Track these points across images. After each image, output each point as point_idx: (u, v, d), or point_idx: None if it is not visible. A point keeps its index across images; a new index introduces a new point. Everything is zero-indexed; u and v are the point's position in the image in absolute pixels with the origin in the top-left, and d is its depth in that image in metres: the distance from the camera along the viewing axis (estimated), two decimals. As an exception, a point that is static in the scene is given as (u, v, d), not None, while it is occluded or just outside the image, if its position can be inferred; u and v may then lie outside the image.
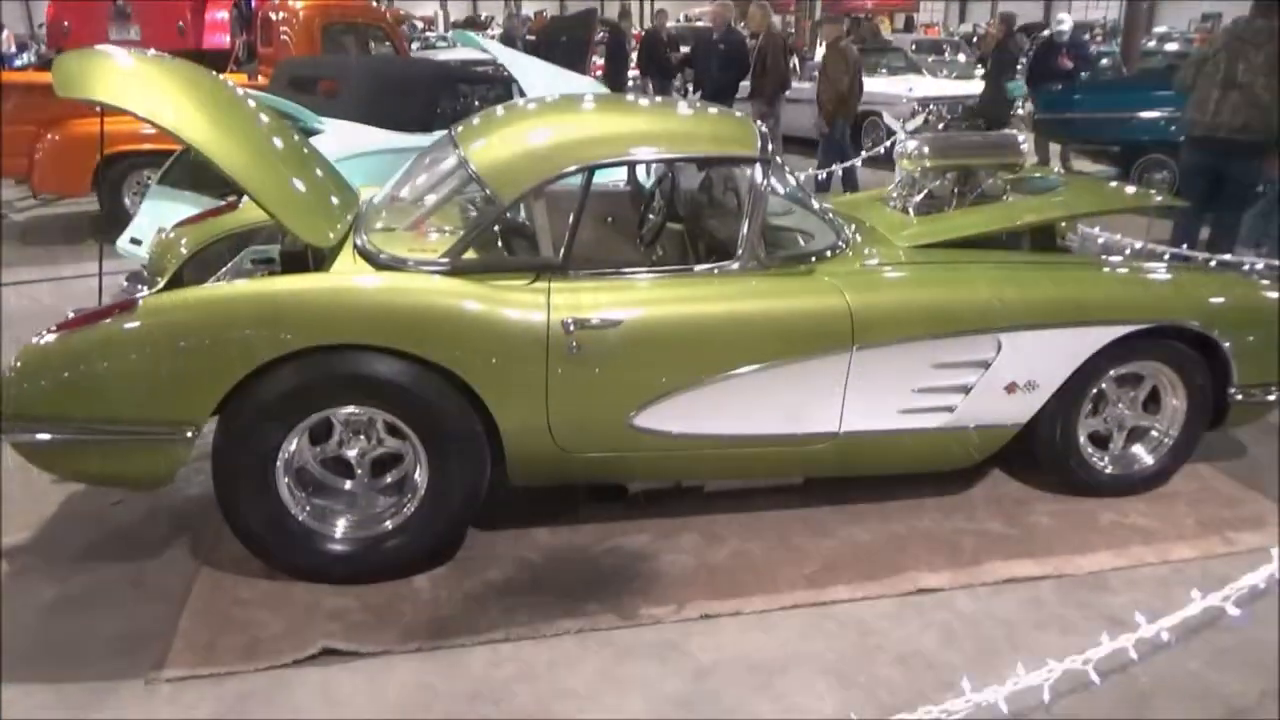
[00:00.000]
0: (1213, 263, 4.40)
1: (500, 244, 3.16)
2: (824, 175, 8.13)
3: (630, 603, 2.78)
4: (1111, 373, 3.27)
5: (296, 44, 9.79)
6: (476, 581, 2.87)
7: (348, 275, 2.85)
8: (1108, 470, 3.40)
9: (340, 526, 2.84)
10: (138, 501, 3.26)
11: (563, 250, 2.86)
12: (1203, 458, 3.60)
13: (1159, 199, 4.35)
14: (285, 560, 2.82)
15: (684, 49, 12.47)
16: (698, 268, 3.06)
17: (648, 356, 2.84)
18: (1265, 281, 3.51)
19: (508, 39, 12.28)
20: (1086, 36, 18.71)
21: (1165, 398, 3.38)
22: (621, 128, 3.26)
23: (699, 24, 19.16)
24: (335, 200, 3.29)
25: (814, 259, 3.10)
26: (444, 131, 3.50)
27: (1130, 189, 4.97)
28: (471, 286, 2.77)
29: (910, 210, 3.70)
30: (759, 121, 3.34)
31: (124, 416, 2.62)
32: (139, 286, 3.51)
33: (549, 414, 2.81)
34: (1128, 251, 4.25)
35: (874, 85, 11.53)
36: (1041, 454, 3.34)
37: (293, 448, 2.75)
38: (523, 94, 5.96)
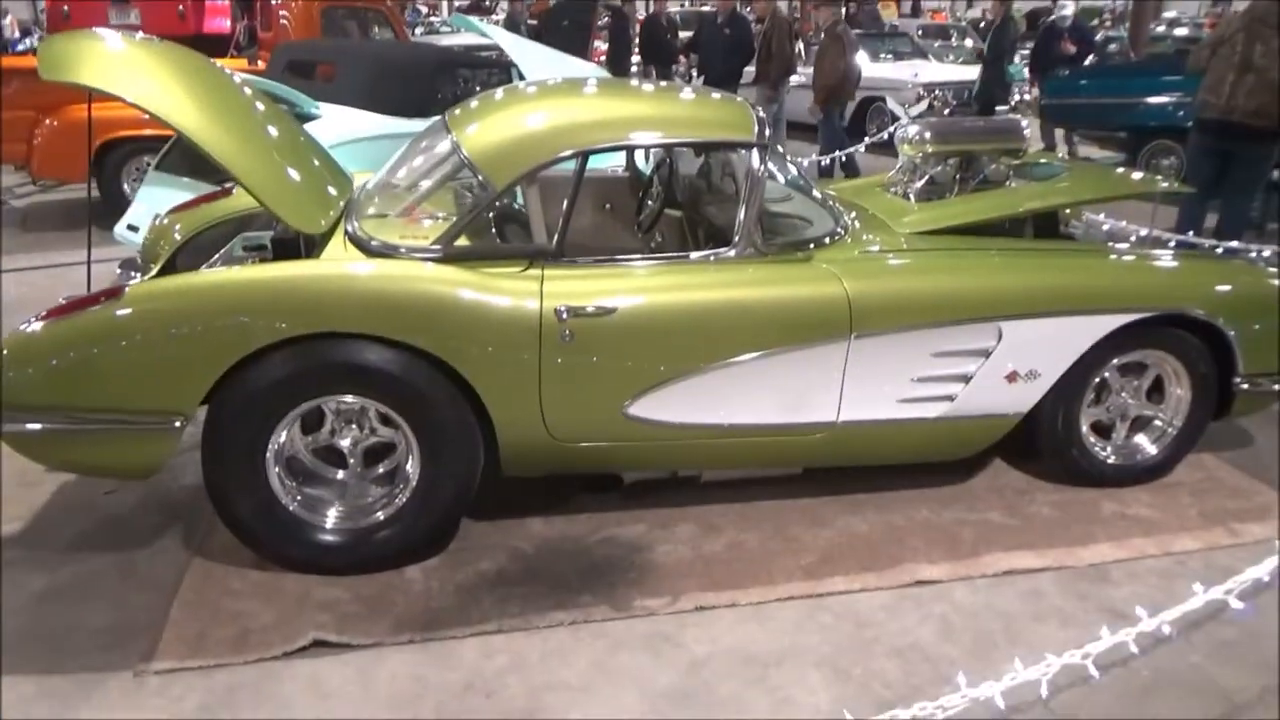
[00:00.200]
0: (1219, 250, 4.35)
1: (493, 230, 3.12)
2: (827, 161, 8.07)
3: (624, 594, 2.75)
4: (1115, 361, 3.23)
5: (296, 28, 9.75)
6: (469, 572, 2.84)
7: (338, 262, 2.81)
8: (1110, 460, 3.36)
9: (332, 517, 2.81)
10: (130, 491, 3.24)
11: (556, 237, 2.83)
12: (1207, 447, 3.56)
13: (1164, 185, 4.28)
14: (276, 551, 2.80)
15: (685, 34, 12.39)
16: (694, 255, 3.02)
17: (642, 345, 2.80)
18: (1272, 269, 3.46)
19: (512, 24, 12.22)
20: (1095, 22, 18.55)
21: (1169, 387, 3.34)
22: (616, 112, 3.21)
23: (705, 8, 19.05)
24: (327, 187, 3.25)
25: (812, 246, 3.06)
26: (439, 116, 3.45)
27: (1136, 174, 4.90)
28: (463, 274, 2.73)
29: (911, 196, 3.65)
30: (757, 107, 3.29)
31: (112, 405, 2.58)
32: (133, 273, 3.49)
33: (542, 403, 2.78)
34: (1132, 239, 4.20)
35: (879, 70, 11.47)
36: (1043, 444, 3.29)
37: (283, 438, 2.72)
38: (523, 79, 5.90)
